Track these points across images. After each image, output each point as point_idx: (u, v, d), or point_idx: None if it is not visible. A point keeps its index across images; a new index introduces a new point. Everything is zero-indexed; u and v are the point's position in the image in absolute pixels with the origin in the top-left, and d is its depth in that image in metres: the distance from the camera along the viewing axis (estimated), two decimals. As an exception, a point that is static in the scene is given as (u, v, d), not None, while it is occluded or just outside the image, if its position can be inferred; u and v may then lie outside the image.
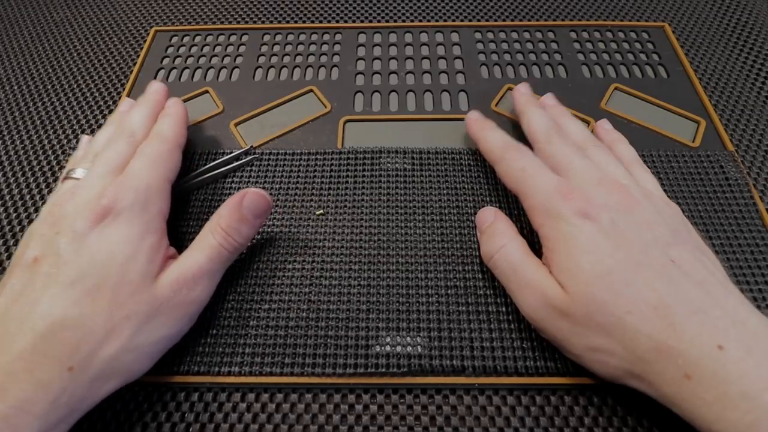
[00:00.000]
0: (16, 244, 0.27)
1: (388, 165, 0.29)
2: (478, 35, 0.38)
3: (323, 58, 0.36)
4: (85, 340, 0.19)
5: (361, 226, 0.27)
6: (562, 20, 0.38)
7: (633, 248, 0.21)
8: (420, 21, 0.39)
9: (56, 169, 0.31)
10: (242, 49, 0.37)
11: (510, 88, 0.34)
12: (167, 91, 0.30)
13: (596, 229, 0.21)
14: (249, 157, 0.30)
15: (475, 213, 0.27)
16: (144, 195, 0.23)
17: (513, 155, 0.25)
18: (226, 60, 0.36)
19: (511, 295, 0.23)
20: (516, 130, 0.31)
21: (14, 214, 0.29)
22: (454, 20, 0.39)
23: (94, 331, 0.19)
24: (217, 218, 0.23)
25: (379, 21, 0.39)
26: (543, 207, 0.23)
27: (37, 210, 0.29)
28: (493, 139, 0.27)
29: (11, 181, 0.30)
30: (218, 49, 0.37)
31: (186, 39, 0.38)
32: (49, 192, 0.29)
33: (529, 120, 0.28)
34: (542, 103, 0.30)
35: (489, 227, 0.25)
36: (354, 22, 0.39)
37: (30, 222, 0.27)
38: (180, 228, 0.27)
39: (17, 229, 0.28)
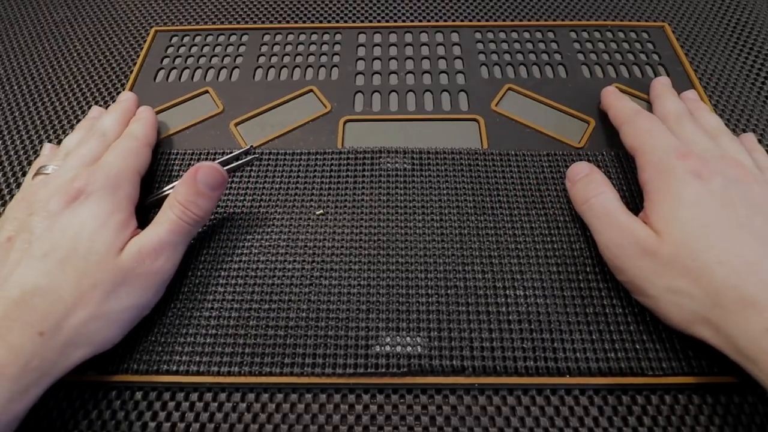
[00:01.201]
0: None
1: (388, 165, 0.29)
2: (478, 35, 0.38)
3: (323, 58, 0.36)
4: (55, 307, 0.20)
5: (361, 226, 0.27)
6: (562, 20, 0.38)
7: (739, 213, 0.21)
8: (420, 21, 0.39)
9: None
10: (242, 49, 0.37)
11: (510, 88, 0.34)
12: (138, 100, 0.31)
13: (705, 189, 0.22)
14: (249, 157, 0.30)
15: (475, 213, 0.27)
16: (114, 180, 0.24)
17: (642, 117, 0.27)
18: (226, 60, 0.36)
19: (598, 236, 0.24)
20: (520, 129, 0.31)
21: (14, 214, 0.29)
22: (454, 20, 0.39)
23: (64, 298, 0.20)
24: (174, 194, 0.24)
25: (379, 21, 0.39)
26: (658, 162, 0.24)
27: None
28: (626, 105, 0.29)
29: (11, 180, 0.30)
30: (218, 49, 0.37)
31: (186, 39, 0.38)
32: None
33: (663, 103, 0.28)
34: (683, 96, 0.30)
35: (586, 176, 0.26)
36: (354, 22, 0.39)
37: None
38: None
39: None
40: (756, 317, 0.18)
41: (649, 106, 0.31)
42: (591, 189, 0.25)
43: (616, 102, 0.29)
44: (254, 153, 0.30)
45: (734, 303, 0.19)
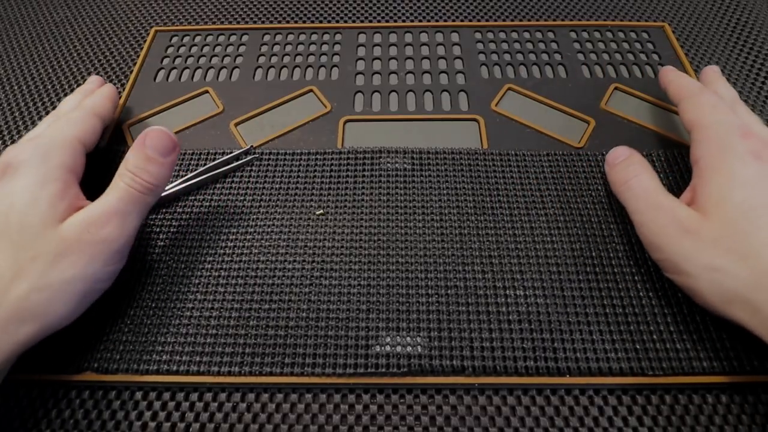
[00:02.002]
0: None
1: (388, 165, 0.29)
2: (478, 35, 0.38)
3: (323, 58, 0.36)
4: None
5: (361, 226, 0.27)
6: (562, 20, 0.38)
7: None
8: (420, 21, 0.39)
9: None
10: (242, 49, 0.37)
11: (510, 88, 0.34)
12: (103, 82, 0.32)
13: (763, 171, 0.21)
14: (249, 157, 0.30)
15: (475, 213, 0.27)
16: (44, 149, 0.23)
17: (707, 94, 0.26)
18: (226, 60, 0.36)
19: (637, 217, 0.24)
20: (520, 129, 0.31)
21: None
22: (454, 20, 0.39)
23: (1, 274, 0.20)
24: (124, 163, 0.23)
25: (379, 21, 0.39)
26: (717, 139, 0.23)
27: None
28: (689, 81, 0.28)
29: (11, 181, 0.30)
30: (218, 49, 0.37)
31: (186, 39, 0.38)
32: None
33: (717, 89, 0.28)
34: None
35: (626, 159, 0.26)
36: (354, 22, 0.39)
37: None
38: (180, 228, 0.27)
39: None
40: None
41: (652, 107, 0.31)
42: (631, 170, 0.25)
43: (678, 79, 0.29)
44: (254, 153, 0.30)
45: None
